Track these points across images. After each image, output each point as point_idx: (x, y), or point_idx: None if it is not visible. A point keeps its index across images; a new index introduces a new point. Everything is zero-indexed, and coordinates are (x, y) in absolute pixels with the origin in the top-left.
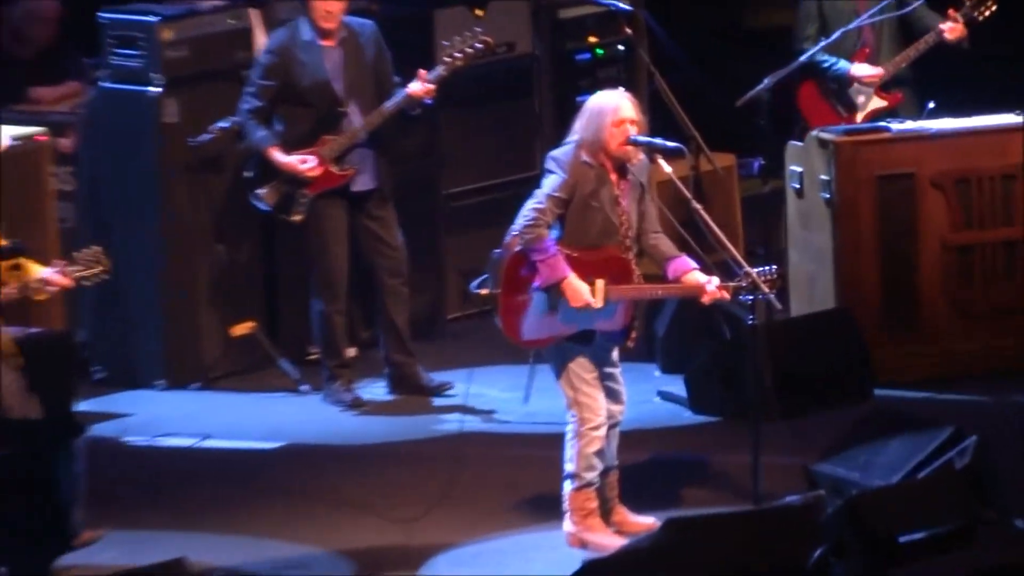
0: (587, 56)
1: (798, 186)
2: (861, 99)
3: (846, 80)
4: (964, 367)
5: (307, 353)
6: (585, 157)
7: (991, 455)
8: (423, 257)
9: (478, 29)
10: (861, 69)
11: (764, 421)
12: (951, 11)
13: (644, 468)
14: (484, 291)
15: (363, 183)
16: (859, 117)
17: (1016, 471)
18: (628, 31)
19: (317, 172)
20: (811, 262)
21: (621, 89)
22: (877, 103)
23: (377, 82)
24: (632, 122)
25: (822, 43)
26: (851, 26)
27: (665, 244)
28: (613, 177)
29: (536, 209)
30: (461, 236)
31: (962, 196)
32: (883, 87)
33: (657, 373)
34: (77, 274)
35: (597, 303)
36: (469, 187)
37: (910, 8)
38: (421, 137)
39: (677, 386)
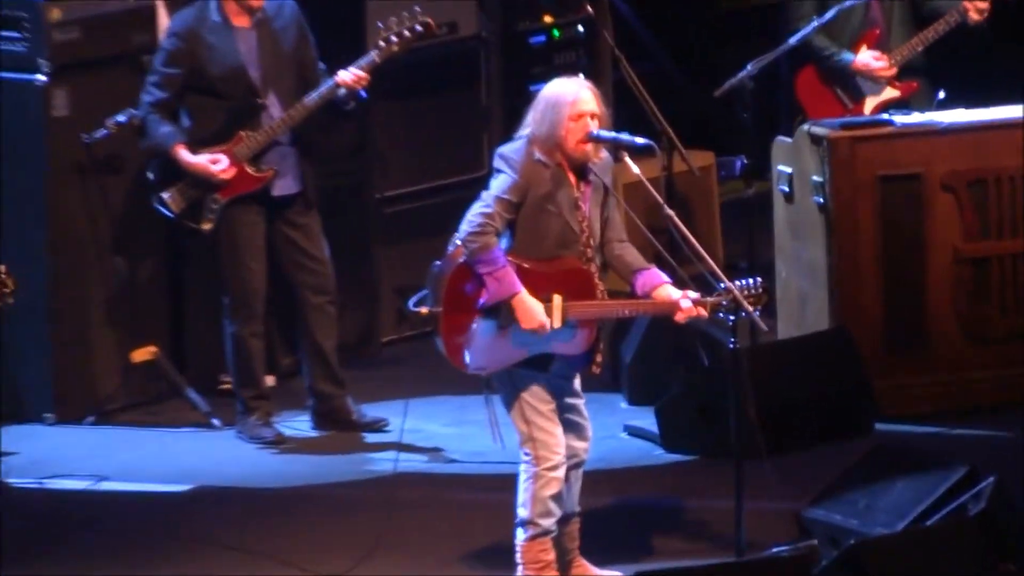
0: (542, 39)
1: (787, 189)
2: (870, 86)
3: (850, 72)
4: (979, 397)
5: (219, 382)
6: (539, 155)
7: (1010, 499)
8: (353, 271)
9: (417, 8)
10: (868, 59)
11: (748, 459)
12: None
13: (609, 514)
14: (423, 310)
15: (284, 187)
16: (868, 108)
17: None
18: (589, 10)
19: (230, 174)
20: (802, 277)
21: (581, 77)
22: (889, 92)
23: (299, 70)
24: (593, 115)
25: (815, 23)
26: (848, 3)
27: (632, 255)
28: (572, 178)
29: (483, 214)
30: (397, 247)
31: (977, 200)
32: (897, 74)
33: (624, 405)
34: None
35: (554, 323)
36: (406, 190)
37: None
38: (350, 133)
39: (647, 420)
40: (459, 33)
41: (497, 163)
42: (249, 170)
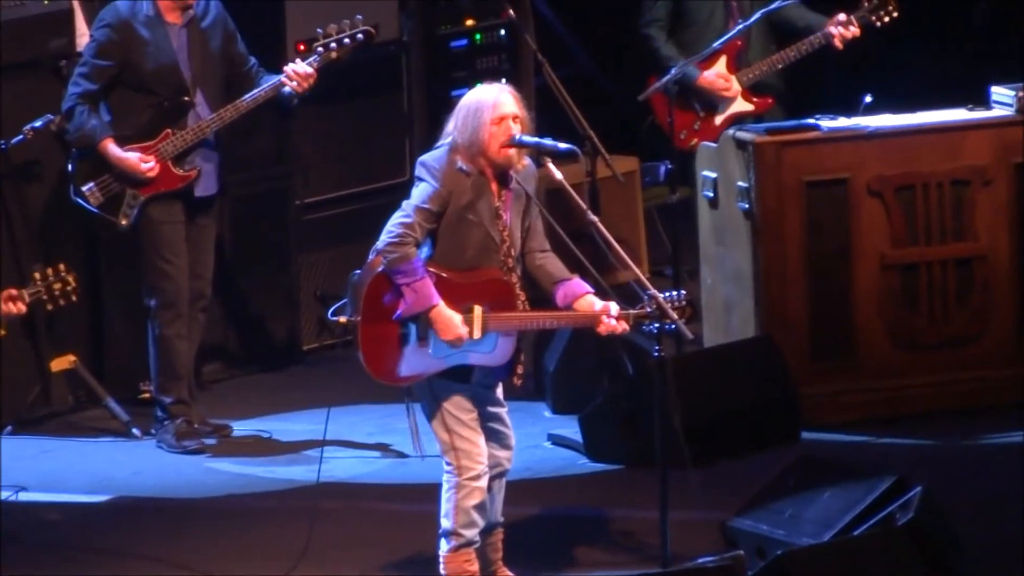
0: (464, 43)
1: (712, 195)
2: (722, 97)
3: (695, 87)
4: (908, 406)
5: (139, 391)
6: (461, 163)
7: (939, 508)
8: (274, 278)
9: (359, 16)
10: (712, 79)
11: (673, 469)
12: (844, 14)
13: (533, 524)
14: (342, 319)
15: (205, 188)
16: (718, 119)
17: (968, 527)
18: (511, 13)
19: (155, 171)
20: (728, 284)
21: (503, 82)
22: (743, 106)
23: (227, 68)
24: (515, 118)
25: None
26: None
27: (554, 265)
28: (494, 186)
29: (402, 224)
30: (318, 254)
31: (905, 206)
32: (753, 89)
33: (547, 413)
34: (32, 296)
35: (474, 333)
36: (326, 197)
37: (779, 4)
38: (271, 139)
39: (571, 429)
40: (379, 37)
41: (418, 171)
42: (173, 169)
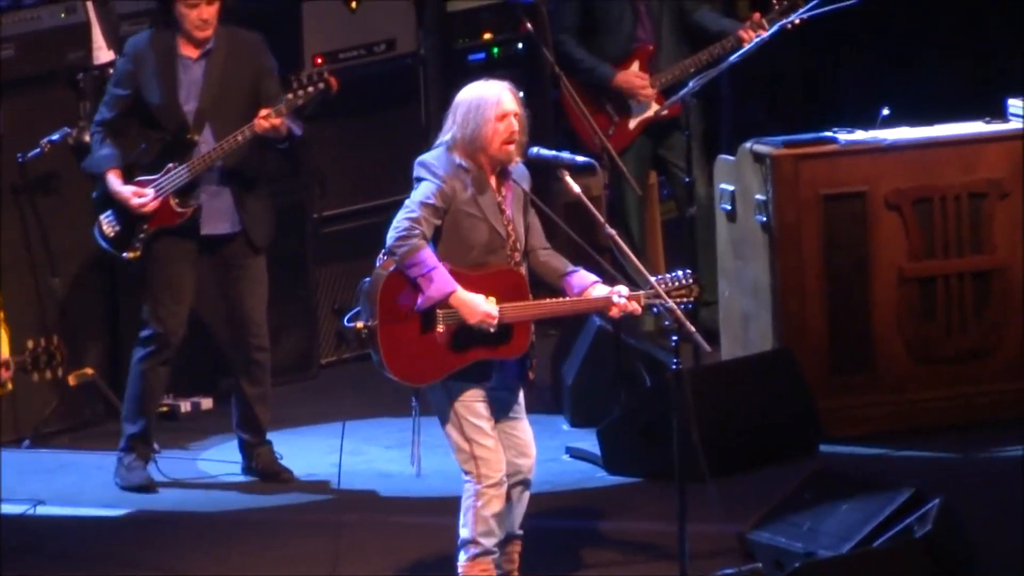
0: (481, 56)
1: (729, 208)
2: (636, 102)
3: (609, 88)
4: (925, 419)
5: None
6: (459, 159)
7: (956, 521)
8: (292, 292)
9: (326, 72)
10: (630, 77)
11: (691, 482)
12: (756, 15)
13: (550, 536)
14: (359, 324)
15: (214, 226)
16: (632, 123)
17: (986, 540)
18: (528, 26)
19: (153, 206)
20: (746, 297)
21: (495, 81)
22: (655, 109)
23: (255, 103)
24: (516, 115)
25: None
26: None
27: (558, 260)
28: (492, 181)
29: (408, 219)
30: (335, 267)
31: (922, 219)
32: (666, 93)
33: (565, 427)
34: (18, 364)
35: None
36: (344, 210)
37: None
38: (286, 153)
39: (589, 442)
40: (397, 50)
41: (418, 171)
42: (172, 203)
